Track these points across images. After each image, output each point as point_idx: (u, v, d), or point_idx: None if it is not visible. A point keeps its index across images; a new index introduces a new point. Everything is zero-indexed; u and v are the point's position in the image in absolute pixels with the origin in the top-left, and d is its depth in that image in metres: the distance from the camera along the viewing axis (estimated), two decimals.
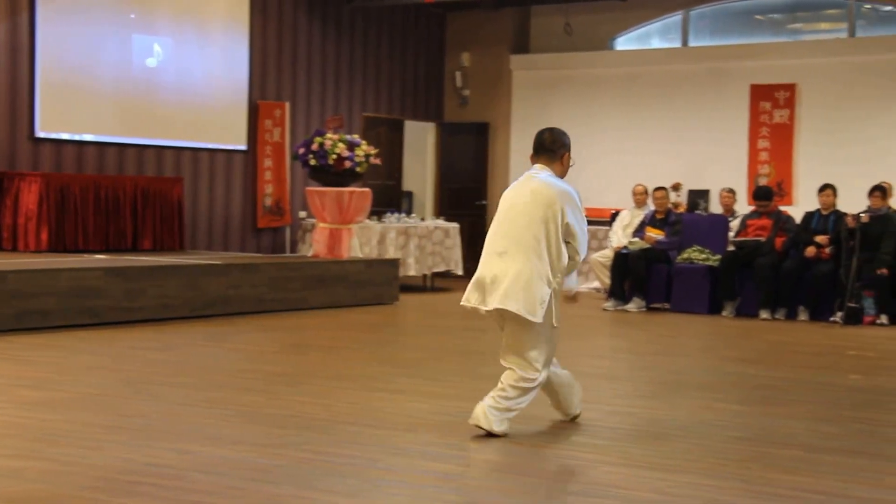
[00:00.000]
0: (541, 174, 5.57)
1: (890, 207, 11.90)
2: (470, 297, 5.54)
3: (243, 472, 4.65)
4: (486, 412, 5.38)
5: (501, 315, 5.47)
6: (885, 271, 11.28)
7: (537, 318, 5.35)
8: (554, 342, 5.55)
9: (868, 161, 14.16)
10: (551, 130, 5.70)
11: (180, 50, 13.59)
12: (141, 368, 7.48)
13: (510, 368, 5.47)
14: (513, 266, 5.38)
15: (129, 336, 9.00)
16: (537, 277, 5.36)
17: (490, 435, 5.40)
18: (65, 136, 12.56)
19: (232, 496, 4.30)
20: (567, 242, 5.48)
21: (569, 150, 5.69)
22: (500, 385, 5.47)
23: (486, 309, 5.46)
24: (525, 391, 5.45)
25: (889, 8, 14.97)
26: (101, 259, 11.02)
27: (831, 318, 11.49)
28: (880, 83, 14.50)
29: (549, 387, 5.68)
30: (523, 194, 5.51)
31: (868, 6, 15.11)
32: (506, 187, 5.80)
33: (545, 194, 5.44)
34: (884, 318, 11.33)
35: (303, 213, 14.82)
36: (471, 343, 9.58)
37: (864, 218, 11.43)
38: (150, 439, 5.20)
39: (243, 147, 14.42)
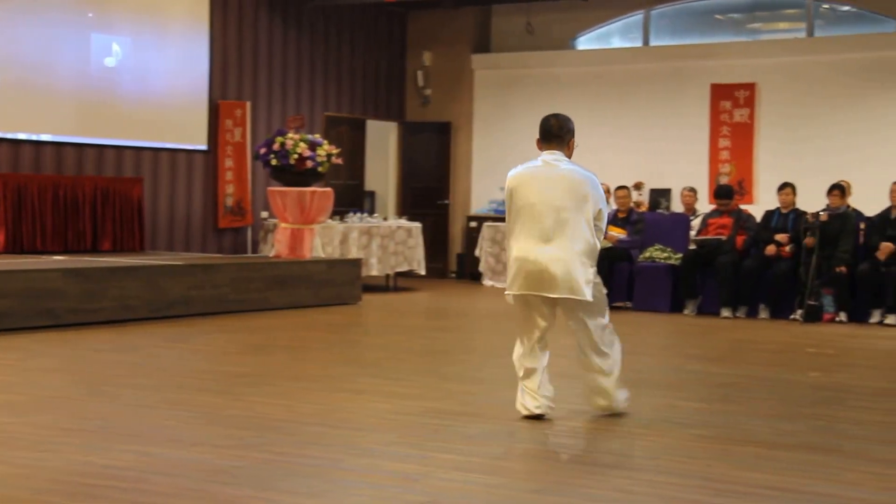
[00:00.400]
0: (563, 161, 5.84)
1: (848, 206, 12.01)
2: (521, 286, 5.77)
3: (204, 473, 4.61)
4: (615, 394, 5.90)
5: (562, 304, 5.75)
6: (843, 269, 11.39)
7: (590, 296, 5.73)
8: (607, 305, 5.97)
9: (827, 159, 14.29)
10: (556, 117, 5.98)
11: (139, 49, 13.48)
12: (100, 370, 7.42)
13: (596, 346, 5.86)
14: (561, 254, 5.68)
15: (88, 338, 8.91)
16: (582, 261, 5.71)
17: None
18: (22, 135, 12.42)
19: (192, 498, 4.27)
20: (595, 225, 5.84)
21: (574, 135, 5.97)
22: (597, 368, 5.88)
23: (546, 296, 5.71)
24: (616, 342, 5.95)
25: (846, 8, 15.12)
26: (59, 260, 10.91)
27: (791, 316, 11.59)
28: (838, 82, 14.63)
29: (541, 370, 5.87)
30: (554, 182, 5.76)
31: (826, 6, 15.24)
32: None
33: (577, 182, 5.76)
34: (843, 316, 11.44)
35: (264, 214, 14.76)
36: (433, 343, 9.58)
37: (823, 216, 11.54)
38: (109, 441, 5.15)
39: (204, 147, 14.33)
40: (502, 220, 15.65)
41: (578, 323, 5.85)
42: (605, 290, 5.96)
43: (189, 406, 6.10)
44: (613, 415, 6.03)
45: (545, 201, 5.72)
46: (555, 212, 5.71)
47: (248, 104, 14.68)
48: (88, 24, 12.95)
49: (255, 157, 12.92)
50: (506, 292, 5.92)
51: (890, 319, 11.23)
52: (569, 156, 5.91)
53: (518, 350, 5.93)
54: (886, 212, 11.71)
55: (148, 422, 5.67)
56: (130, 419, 5.74)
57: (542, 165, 5.84)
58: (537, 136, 5.97)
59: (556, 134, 5.90)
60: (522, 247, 5.77)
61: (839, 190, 11.84)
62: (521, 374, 5.89)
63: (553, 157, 5.85)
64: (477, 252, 15.53)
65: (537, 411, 5.82)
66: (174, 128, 13.95)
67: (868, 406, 6.70)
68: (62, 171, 12.69)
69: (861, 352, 9.61)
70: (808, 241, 11.43)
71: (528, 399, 5.86)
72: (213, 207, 14.51)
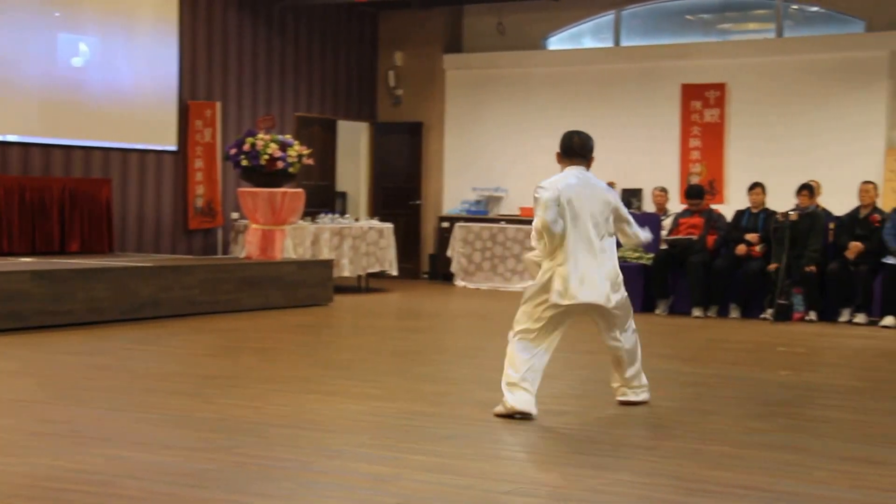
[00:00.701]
0: (592, 178, 6.20)
1: (818, 205, 12.09)
2: (570, 296, 5.97)
3: (174, 476, 4.57)
4: (643, 389, 6.37)
5: (601, 311, 6.10)
6: (813, 269, 11.46)
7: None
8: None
9: (796, 159, 14.36)
10: (578, 134, 6.25)
11: (108, 49, 13.38)
12: (68, 373, 7.35)
13: (620, 345, 6.24)
14: (606, 265, 6.10)
15: (56, 340, 8.84)
16: (619, 270, 6.21)
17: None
18: None
19: (162, 501, 4.23)
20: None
21: (593, 152, 6.26)
22: (628, 373, 6.30)
23: (583, 304, 6.01)
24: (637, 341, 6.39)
25: (815, 9, 15.21)
26: (26, 262, 10.81)
27: (762, 315, 11.65)
28: (808, 82, 14.72)
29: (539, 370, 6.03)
30: (595, 198, 6.12)
31: (795, 7, 15.33)
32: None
33: (608, 198, 6.20)
34: (812, 315, 11.52)
35: (235, 215, 14.68)
36: (405, 344, 9.56)
37: (793, 216, 11.60)
38: (78, 445, 5.10)
39: (173, 147, 14.24)
40: (474, 220, 15.80)
41: (613, 328, 6.20)
42: (626, 294, 6.29)
43: (159, 409, 6.06)
44: (591, 413, 6.03)
45: (593, 217, 6.07)
46: (602, 226, 6.10)
47: (218, 104, 14.60)
48: (55, 23, 12.84)
49: (226, 157, 12.85)
50: (553, 301, 5.95)
51: (859, 318, 11.32)
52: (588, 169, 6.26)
53: (523, 352, 5.95)
54: (855, 211, 11.80)
55: (117, 425, 5.63)
56: (99, 422, 5.69)
57: (581, 182, 6.10)
58: (557, 149, 6.23)
59: (578, 152, 6.20)
60: (574, 259, 5.99)
61: (808, 190, 11.91)
62: (523, 370, 5.92)
63: (582, 172, 6.16)
64: (449, 252, 15.52)
65: (534, 410, 5.88)
66: (143, 128, 13.85)
67: (838, 404, 6.74)
68: (29, 172, 12.57)
69: (831, 350, 9.67)
70: (772, 266, 11.51)
71: (527, 397, 5.89)
72: (183, 208, 14.43)
